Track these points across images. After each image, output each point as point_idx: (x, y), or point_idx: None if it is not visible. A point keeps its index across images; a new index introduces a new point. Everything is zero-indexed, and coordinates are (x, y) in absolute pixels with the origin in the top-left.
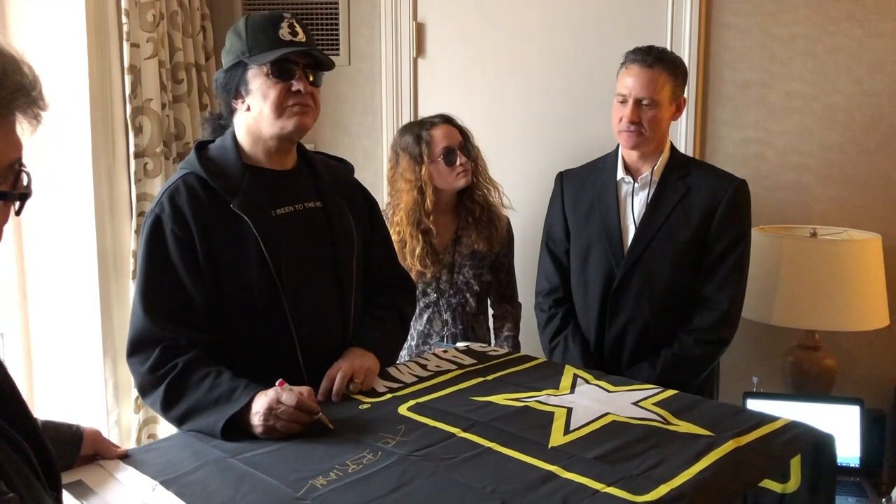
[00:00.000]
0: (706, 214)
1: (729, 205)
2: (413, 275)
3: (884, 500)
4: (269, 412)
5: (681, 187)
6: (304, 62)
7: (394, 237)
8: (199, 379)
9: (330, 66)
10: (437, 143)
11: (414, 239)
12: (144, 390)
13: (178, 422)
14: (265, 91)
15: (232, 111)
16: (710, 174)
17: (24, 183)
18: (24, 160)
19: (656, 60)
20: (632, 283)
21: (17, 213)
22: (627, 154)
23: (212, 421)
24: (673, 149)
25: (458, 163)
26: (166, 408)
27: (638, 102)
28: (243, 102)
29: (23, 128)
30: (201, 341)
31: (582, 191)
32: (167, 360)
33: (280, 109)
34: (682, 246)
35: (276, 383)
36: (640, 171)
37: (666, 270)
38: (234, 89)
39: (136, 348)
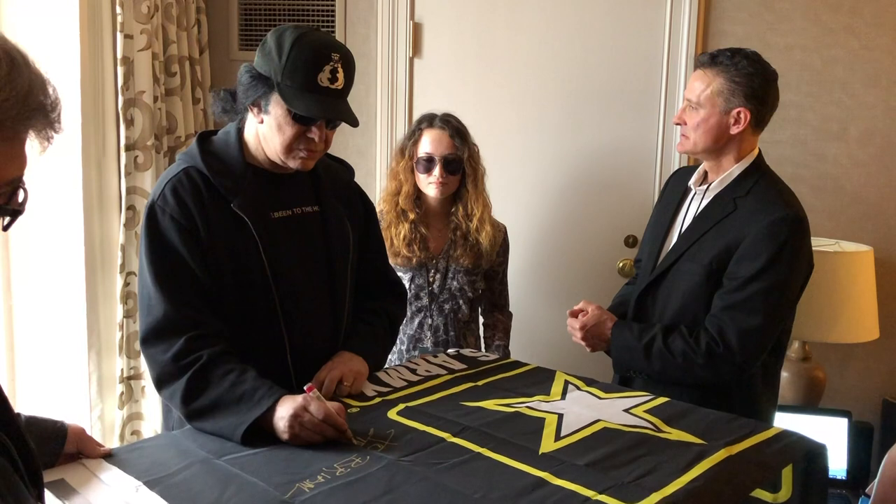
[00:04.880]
0: (732, 243)
1: (755, 237)
2: (399, 261)
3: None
4: (294, 419)
5: (728, 207)
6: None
7: (382, 225)
8: (223, 374)
9: (354, 123)
10: (421, 146)
11: (400, 222)
12: (163, 380)
13: (197, 416)
14: (281, 124)
15: (246, 109)
16: (761, 198)
17: (20, 200)
18: (26, 178)
19: (710, 61)
20: (652, 296)
21: (5, 228)
22: (704, 161)
23: (233, 423)
24: (754, 163)
25: (434, 173)
26: (186, 401)
27: (687, 104)
28: (259, 113)
29: (32, 146)
30: (224, 333)
31: (671, 190)
32: (192, 350)
33: (289, 149)
34: (701, 269)
35: (305, 388)
36: (710, 179)
37: (681, 292)
38: (255, 99)
39: (158, 336)
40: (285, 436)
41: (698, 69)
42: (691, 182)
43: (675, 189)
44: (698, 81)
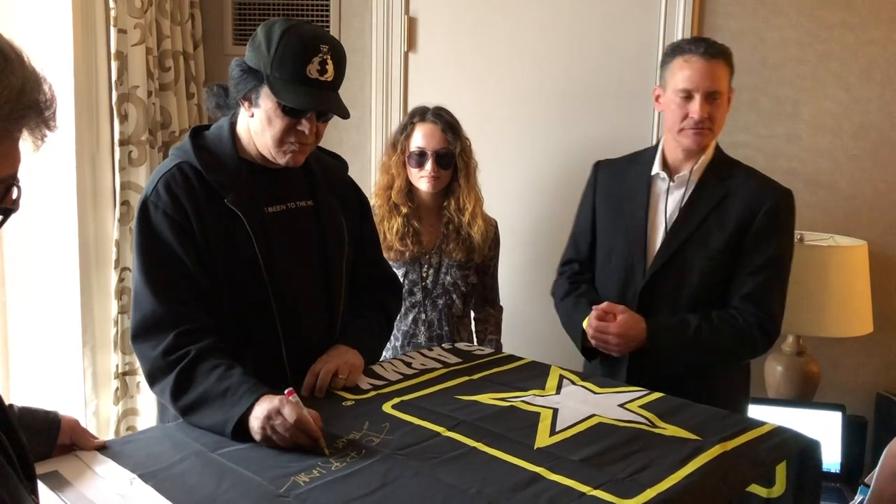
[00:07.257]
0: (743, 222)
1: (769, 214)
2: (392, 256)
3: (859, 495)
4: (266, 421)
5: (719, 191)
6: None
7: (375, 220)
8: (210, 369)
9: (344, 115)
10: (413, 140)
11: (392, 216)
12: (154, 376)
13: (188, 411)
14: (271, 117)
15: (238, 104)
16: (752, 179)
17: (13, 197)
18: (20, 176)
19: (719, 52)
20: (657, 290)
21: None
22: (671, 151)
23: (221, 418)
24: (717, 148)
25: (426, 167)
26: (176, 396)
27: (708, 97)
28: (250, 107)
29: (26, 144)
30: (214, 328)
31: (615, 183)
32: (181, 345)
33: (279, 143)
34: (715, 253)
35: (285, 392)
36: (680, 169)
37: (695, 279)
38: (245, 93)
39: (147, 332)
40: (258, 437)
41: (715, 59)
42: (660, 173)
43: (621, 181)
44: (719, 72)
